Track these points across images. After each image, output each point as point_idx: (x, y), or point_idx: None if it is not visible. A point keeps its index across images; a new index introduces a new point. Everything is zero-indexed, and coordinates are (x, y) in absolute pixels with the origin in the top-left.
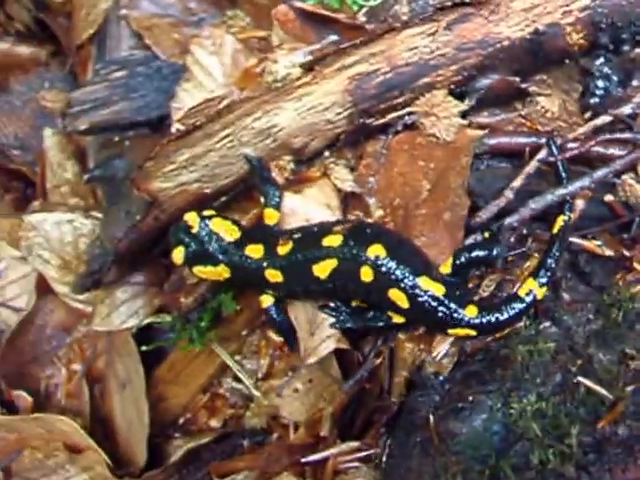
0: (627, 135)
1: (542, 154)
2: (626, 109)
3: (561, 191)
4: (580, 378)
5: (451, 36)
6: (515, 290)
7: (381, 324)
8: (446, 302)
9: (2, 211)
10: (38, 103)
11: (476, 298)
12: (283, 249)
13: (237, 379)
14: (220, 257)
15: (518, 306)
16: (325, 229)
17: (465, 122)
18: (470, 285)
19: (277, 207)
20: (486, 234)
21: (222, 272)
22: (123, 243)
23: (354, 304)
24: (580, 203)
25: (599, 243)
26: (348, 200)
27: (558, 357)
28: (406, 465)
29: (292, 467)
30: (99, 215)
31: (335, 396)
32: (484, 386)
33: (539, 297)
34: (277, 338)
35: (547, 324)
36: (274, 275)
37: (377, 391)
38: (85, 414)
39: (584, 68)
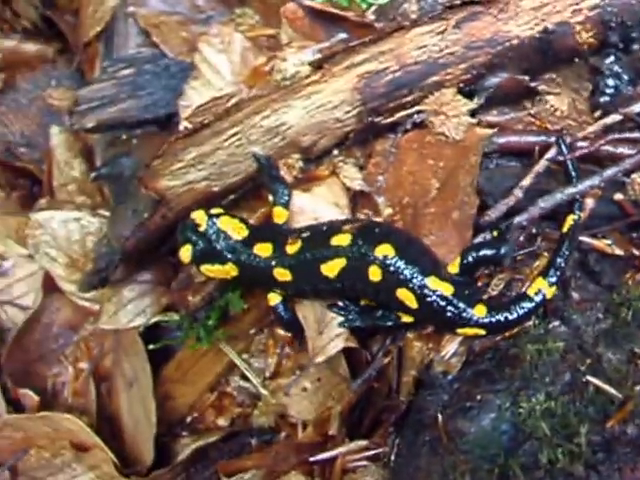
0: (637, 134)
1: (551, 153)
2: (636, 108)
3: (571, 190)
4: (589, 377)
5: (460, 34)
6: (524, 289)
7: (390, 323)
8: (455, 302)
9: (9, 209)
10: (45, 101)
11: (485, 297)
12: (292, 248)
13: (245, 378)
14: (228, 255)
15: (527, 305)
16: (334, 228)
17: (474, 121)
18: (479, 284)
19: (286, 205)
20: (495, 233)
21: (230, 270)
22: (130, 241)
23: (363, 303)
24: (590, 202)
25: (609, 242)
26: (357, 199)
27: (567, 356)
28: (415, 464)
29: (300, 466)
30: (106, 213)
31: (343, 395)
32: (493, 385)
33: (548, 296)
34: (285, 334)
35: (556, 323)
36: (283, 274)
37: (385, 390)
38: (92, 413)
39: (594, 67)
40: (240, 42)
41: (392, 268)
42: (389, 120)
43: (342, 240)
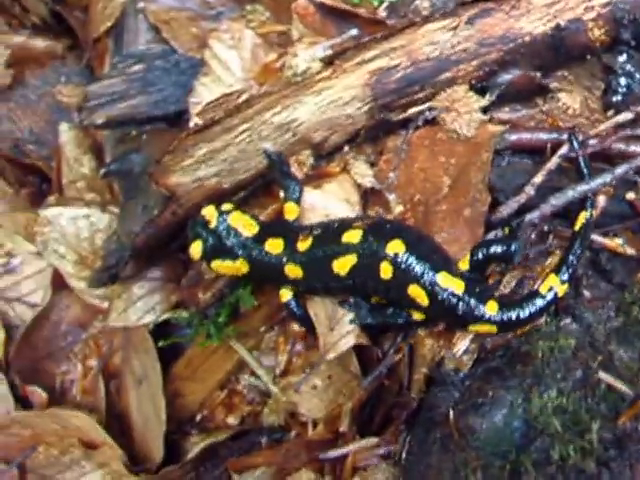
0: None
1: (564, 150)
2: None
3: (582, 187)
4: (601, 374)
5: (472, 31)
6: (536, 287)
7: (401, 321)
8: (466, 298)
9: (17, 205)
10: (54, 97)
11: (496, 295)
12: (303, 244)
13: (255, 375)
14: (239, 252)
15: (539, 302)
16: (345, 225)
17: (486, 117)
18: (490, 282)
19: (297, 202)
20: (506, 230)
21: (241, 267)
22: (140, 238)
23: (373, 301)
24: (602, 200)
25: (620, 241)
26: (368, 196)
27: (579, 353)
28: (426, 461)
29: (310, 463)
30: (116, 210)
31: (354, 392)
32: (504, 382)
33: (560, 294)
34: (299, 329)
35: (568, 321)
36: (294, 270)
37: (396, 388)
38: (101, 410)
39: (606, 65)
40: (250, 38)
41: (403, 265)
42: (400, 117)
43: (353, 237)
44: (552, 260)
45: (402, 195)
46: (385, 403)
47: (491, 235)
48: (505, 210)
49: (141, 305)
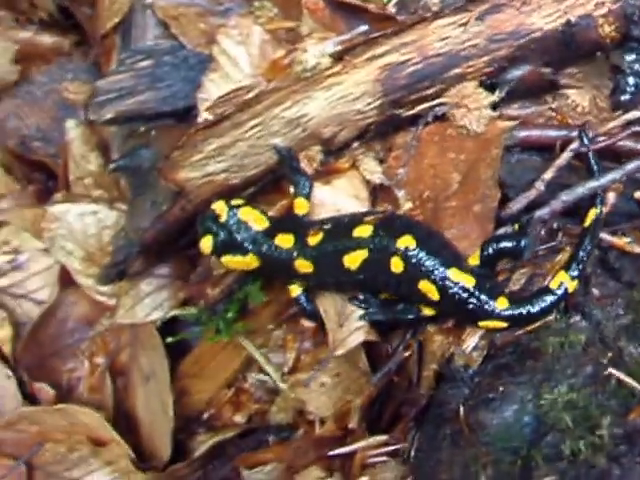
0: None
1: (574, 145)
2: None
3: (592, 184)
4: (611, 370)
5: (483, 27)
6: (546, 283)
7: (411, 316)
8: (477, 294)
9: (25, 202)
10: (60, 94)
11: (506, 291)
12: (313, 239)
13: (263, 373)
14: (249, 246)
15: (549, 298)
16: (356, 220)
17: (495, 114)
18: (500, 279)
19: (308, 197)
20: (516, 226)
21: (251, 262)
22: (149, 233)
23: (383, 297)
24: (611, 197)
25: (629, 240)
26: (377, 192)
27: (589, 349)
28: (436, 457)
29: (320, 461)
30: (123, 207)
31: (363, 389)
32: (515, 377)
33: (570, 290)
34: (310, 324)
35: (577, 318)
36: (304, 265)
37: (405, 384)
38: (108, 408)
39: (615, 65)
40: (259, 35)
41: (414, 259)
42: (410, 112)
43: (364, 231)
44: (562, 257)
45: (411, 191)
46: (394, 400)
47: (501, 231)
48: (515, 206)
49: (149, 302)
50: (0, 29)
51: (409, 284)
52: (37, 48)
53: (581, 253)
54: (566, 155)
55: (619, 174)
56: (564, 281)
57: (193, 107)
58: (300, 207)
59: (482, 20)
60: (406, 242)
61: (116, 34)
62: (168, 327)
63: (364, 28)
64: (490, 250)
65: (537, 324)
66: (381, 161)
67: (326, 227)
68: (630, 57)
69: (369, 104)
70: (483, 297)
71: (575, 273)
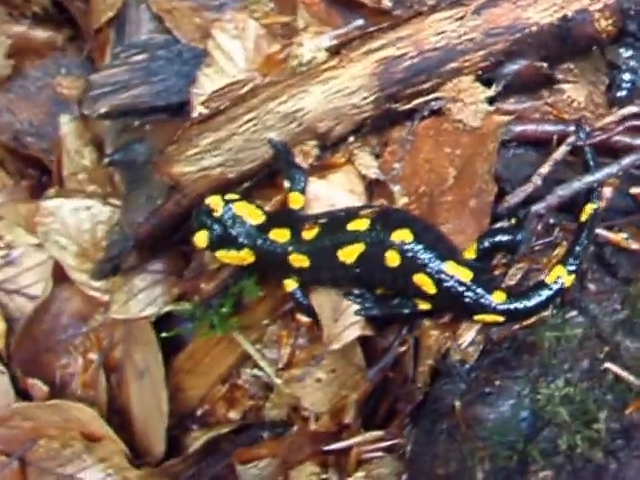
0: None
1: (571, 139)
2: None
3: (589, 178)
4: (608, 364)
5: (479, 21)
6: (543, 277)
7: (407, 311)
8: (473, 287)
9: (18, 197)
10: (54, 89)
11: (503, 286)
12: (309, 234)
13: (257, 368)
14: (244, 241)
15: (546, 293)
16: (352, 214)
17: (492, 108)
18: (497, 273)
19: (303, 191)
20: (512, 221)
21: (246, 256)
22: (144, 228)
23: (379, 292)
24: (608, 191)
25: (625, 236)
26: (373, 187)
27: (585, 344)
28: (432, 452)
29: (314, 456)
30: (117, 202)
31: (359, 385)
32: (511, 372)
33: (567, 285)
34: (305, 319)
35: (573, 313)
36: (299, 260)
37: (401, 380)
38: (101, 404)
39: (611, 62)
40: (254, 29)
41: (410, 253)
42: (406, 107)
43: (359, 225)
44: (558, 252)
45: (407, 186)
46: (390, 395)
47: (497, 226)
48: (512, 200)
49: (143, 297)
50: None
51: (405, 277)
52: (31, 42)
53: (578, 248)
54: (563, 149)
55: (615, 169)
56: (561, 276)
57: (187, 102)
58: (295, 202)
59: (478, 14)
60: (402, 235)
61: (110, 28)
62: (162, 323)
63: (360, 22)
64: (486, 243)
65: (533, 319)
66: (377, 156)
67: (321, 221)
68: (626, 53)
69: (365, 98)
70: (479, 291)
71: (572, 268)
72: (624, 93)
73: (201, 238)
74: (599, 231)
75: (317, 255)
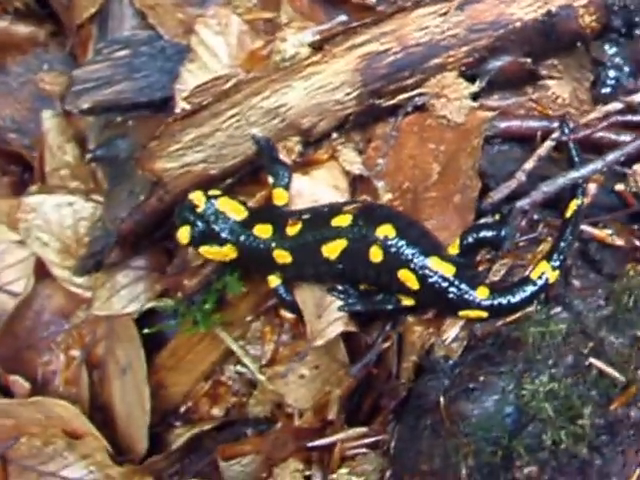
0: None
1: (554, 136)
2: (637, 97)
3: (573, 174)
4: (592, 360)
5: (463, 16)
6: (527, 273)
7: (390, 307)
8: (457, 283)
9: (0, 193)
10: (36, 85)
11: (487, 281)
12: (292, 230)
13: (241, 364)
14: (227, 237)
15: (530, 288)
16: (335, 209)
17: (476, 104)
18: (481, 269)
19: (287, 187)
20: (497, 217)
21: (229, 252)
22: (126, 224)
23: (362, 288)
24: (592, 188)
25: (610, 232)
26: (356, 183)
27: (570, 339)
28: (416, 448)
29: (298, 453)
30: (100, 198)
31: (342, 381)
32: (495, 367)
33: (551, 280)
34: (289, 315)
35: (558, 309)
36: (283, 256)
37: (385, 376)
38: (84, 401)
39: (596, 59)
40: (237, 25)
41: (393, 248)
42: (390, 102)
43: (343, 221)
44: (542, 248)
45: (391, 182)
46: (374, 391)
47: (481, 222)
48: (496, 195)
49: (125, 294)
50: None
51: (388, 273)
52: (12, 38)
53: (562, 244)
54: (547, 145)
55: (599, 164)
56: (545, 271)
57: (170, 98)
58: (279, 198)
59: (462, 10)
60: (385, 231)
61: (93, 24)
62: (145, 319)
63: (343, 18)
64: (470, 239)
65: (518, 314)
66: (360, 152)
67: (305, 217)
68: (611, 50)
69: (348, 94)
70: (463, 286)
71: (556, 263)
72: (608, 90)
73: (184, 234)
74: (584, 227)
75: (300, 251)
